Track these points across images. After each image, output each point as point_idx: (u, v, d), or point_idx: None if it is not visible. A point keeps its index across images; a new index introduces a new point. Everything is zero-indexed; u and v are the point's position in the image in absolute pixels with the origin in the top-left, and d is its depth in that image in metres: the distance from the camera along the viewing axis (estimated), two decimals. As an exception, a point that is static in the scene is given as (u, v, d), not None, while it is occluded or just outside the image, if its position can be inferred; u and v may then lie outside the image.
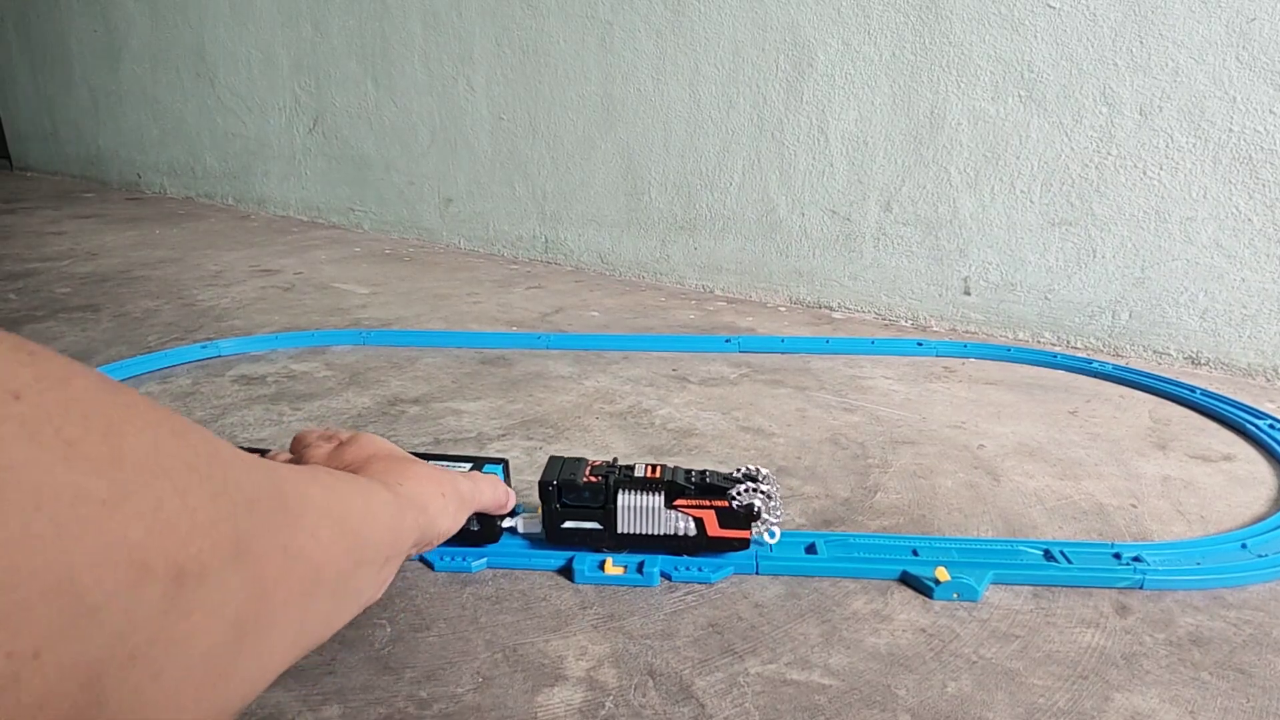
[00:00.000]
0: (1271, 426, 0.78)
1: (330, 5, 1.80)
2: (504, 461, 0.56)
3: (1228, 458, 0.74)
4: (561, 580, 0.53)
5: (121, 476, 0.19)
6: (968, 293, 1.12)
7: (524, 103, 1.52)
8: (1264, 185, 0.90)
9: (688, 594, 0.52)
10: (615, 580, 0.53)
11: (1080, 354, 1.02)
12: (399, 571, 0.55)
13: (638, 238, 1.43)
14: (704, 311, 1.23)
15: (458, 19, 1.57)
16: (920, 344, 1.04)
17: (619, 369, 0.96)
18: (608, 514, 0.53)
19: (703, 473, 0.54)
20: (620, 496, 0.53)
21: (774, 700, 0.43)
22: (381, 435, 0.79)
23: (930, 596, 0.51)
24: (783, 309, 1.26)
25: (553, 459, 0.56)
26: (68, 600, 0.17)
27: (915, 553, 0.55)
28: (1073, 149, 1.00)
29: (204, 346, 1.00)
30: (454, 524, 0.45)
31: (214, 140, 2.26)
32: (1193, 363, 0.98)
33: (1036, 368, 0.98)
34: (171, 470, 0.21)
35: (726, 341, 1.04)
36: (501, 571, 0.54)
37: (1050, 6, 0.98)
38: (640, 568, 0.53)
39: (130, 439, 0.20)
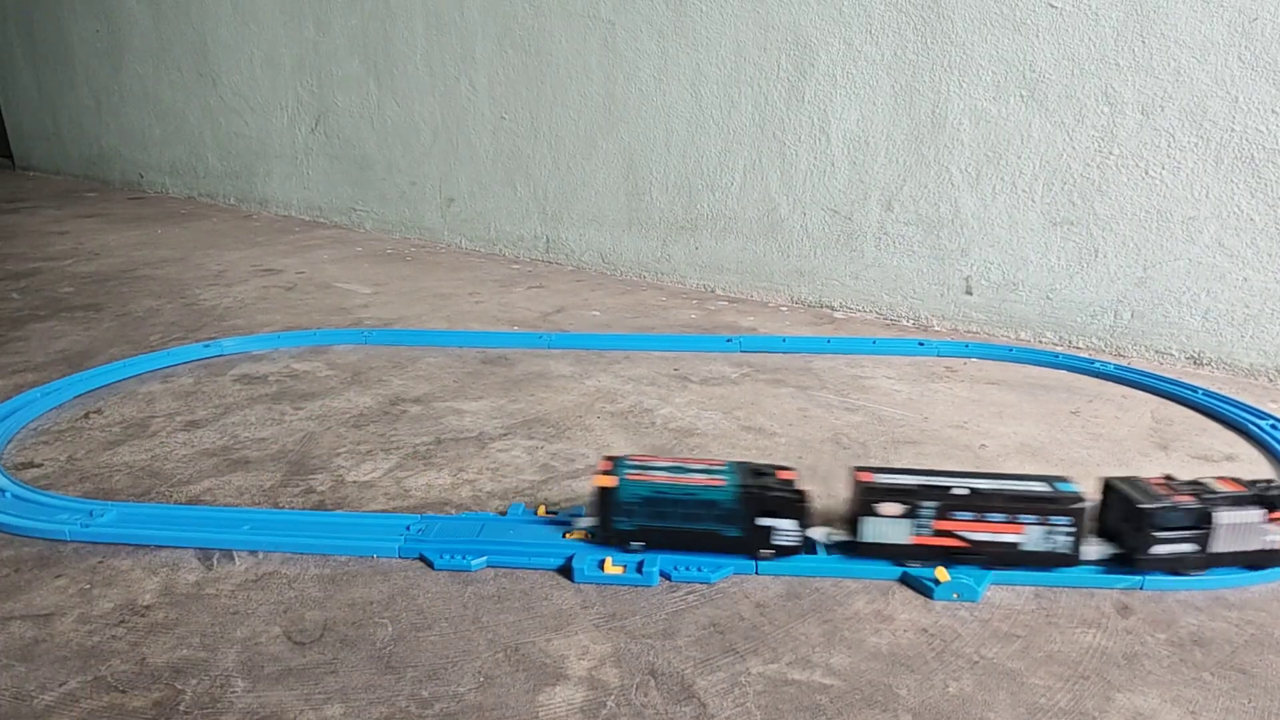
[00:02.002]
0: (1273, 427, 0.78)
1: (333, 5, 1.80)
2: (1069, 480, 0.54)
3: (1229, 458, 0.74)
4: (562, 580, 0.53)
5: None
6: (969, 292, 1.12)
7: (526, 103, 1.52)
8: (1266, 185, 0.90)
9: (689, 594, 0.52)
10: (615, 580, 0.53)
11: (1082, 354, 1.02)
12: (401, 570, 0.55)
13: (639, 237, 1.43)
14: (705, 311, 1.23)
15: (460, 19, 1.57)
16: (922, 344, 1.03)
17: (620, 368, 0.96)
18: (1203, 534, 0.52)
19: (1253, 483, 0.54)
20: (1219, 514, 0.52)
21: (775, 700, 0.43)
22: (382, 434, 0.79)
23: (930, 597, 0.52)
24: (784, 308, 1.26)
25: (1111, 481, 0.54)
26: None
27: (916, 552, 0.55)
28: (1074, 149, 1.00)
29: (206, 345, 1.01)
30: None
31: (216, 140, 2.26)
32: (1195, 363, 0.98)
33: (1038, 367, 0.97)
34: None
35: (728, 341, 1.04)
36: (502, 571, 0.54)
37: (1052, 6, 0.98)
38: (640, 567, 0.53)
39: None
